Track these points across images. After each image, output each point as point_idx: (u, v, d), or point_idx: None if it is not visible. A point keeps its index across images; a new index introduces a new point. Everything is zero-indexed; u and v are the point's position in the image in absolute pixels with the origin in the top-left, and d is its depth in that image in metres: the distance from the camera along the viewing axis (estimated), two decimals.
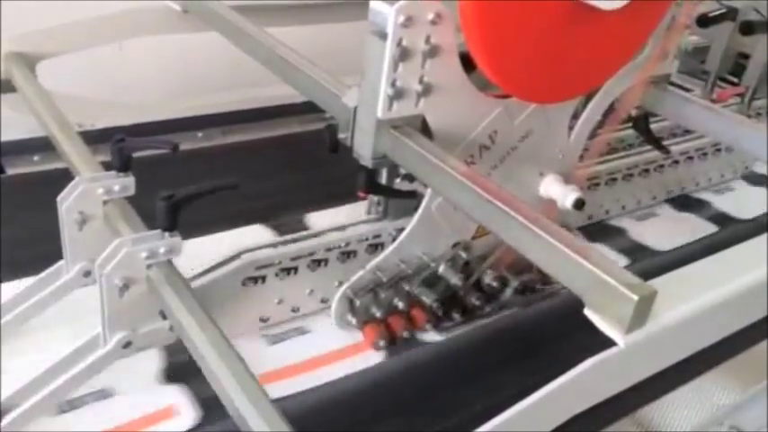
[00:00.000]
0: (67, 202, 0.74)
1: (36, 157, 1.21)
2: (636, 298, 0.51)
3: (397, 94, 0.70)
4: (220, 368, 0.58)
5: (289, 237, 0.87)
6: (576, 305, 0.56)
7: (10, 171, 1.21)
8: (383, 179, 0.88)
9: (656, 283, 0.53)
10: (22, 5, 1.21)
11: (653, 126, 1.07)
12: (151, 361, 0.82)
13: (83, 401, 0.76)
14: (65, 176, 0.76)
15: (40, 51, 1.08)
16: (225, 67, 1.38)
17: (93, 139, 0.93)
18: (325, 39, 1.28)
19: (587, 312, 0.55)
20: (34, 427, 0.71)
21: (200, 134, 1.36)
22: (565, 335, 0.91)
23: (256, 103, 1.42)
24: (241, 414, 0.55)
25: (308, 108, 1.38)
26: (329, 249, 0.89)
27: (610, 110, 0.95)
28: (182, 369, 0.80)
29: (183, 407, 0.77)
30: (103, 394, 0.78)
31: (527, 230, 0.59)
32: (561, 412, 0.56)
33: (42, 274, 0.81)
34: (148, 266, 0.68)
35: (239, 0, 1.10)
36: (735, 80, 1.51)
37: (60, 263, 0.80)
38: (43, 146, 1.17)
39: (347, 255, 0.91)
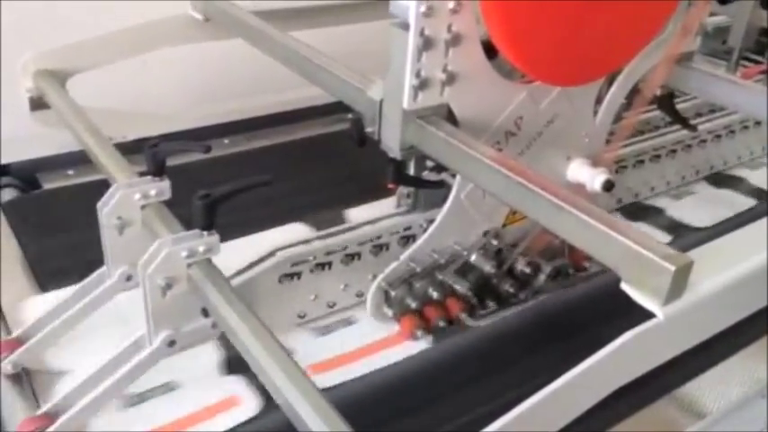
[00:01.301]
0: (107, 208, 0.76)
1: (71, 171, 1.25)
2: (673, 268, 0.51)
3: (422, 84, 0.71)
4: (266, 360, 0.59)
5: (322, 233, 0.89)
6: (611, 288, 0.56)
7: (46, 186, 1.24)
8: (411, 171, 0.88)
9: (693, 254, 0.53)
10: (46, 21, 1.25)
11: (678, 107, 1.07)
12: (211, 354, 0.85)
13: (150, 395, 0.80)
14: (99, 188, 0.78)
15: (69, 67, 1.10)
16: (247, 73, 1.40)
17: (126, 150, 0.95)
18: (347, 40, 1.30)
19: (624, 286, 0.55)
20: (104, 422, 0.75)
21: (226, 140, 1.39)
22: (601, 318, 0.91)
23: (279, 107, 1.44)
24: (290, 405, 0.56)
25: (331, 109, 1.42)
26: (362, 243, 0.90)
27: (634, 91, 0.94)
28: (240, 360, 0.82)
29: (245, 396, 0.80)
30: (169, 387, 0.81)
31: (559, 209, 0.59)
32: (602, 386, 0.57)
33: (85, 281, 0.83)
34: (189, 265, 0.70)
35: (257, 5, 1.12)
36: (759, 58, 1.50)
37: (102, 269, 0.82)
38: (77, 160, 1.21)
39: (380, 248, 0.92)
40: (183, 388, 0.81)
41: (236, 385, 0.81)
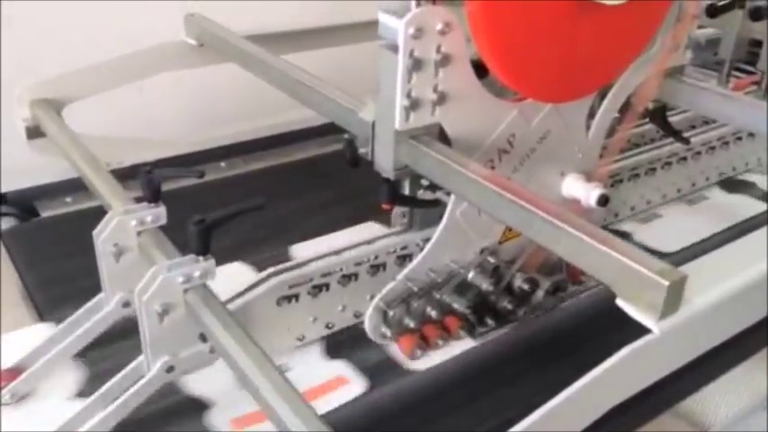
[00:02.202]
0: (103, 236, 0.76)
1: (68, 198, 1.25)
2: (667, 284, 0.51)
3: (413, 105, 0.72)
4: (264, 385, 0.59)
5: (317, 255, 0.89)
6: (609, 301, 0.57)
7: (44, 214, 1.25)
8: (407, 191, 0.89)
9: (687, 268, 0.54)
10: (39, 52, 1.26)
11: (670, 121, 1.07)
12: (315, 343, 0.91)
13: None
14: (97, 215, 0.78)
15: (65, 96, 1.11)
16: (242, 97, 1.41)
17: (123, 176, 0.95)
18: (339, 62, 1.31)
19: (619, 302, 0.55)
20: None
21: (222, 164, 1.40)
22: (599, 334, 0.91)
23: (275, 129, 1.45)
24: (290, 430, 0.56)
25: (325, 130, 1.43)
26: (358, 264, 0.90)
27: (626, 105, 0.95)
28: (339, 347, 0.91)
29: (351, 377, 0.87)
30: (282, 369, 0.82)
31: (553, 226, 0.59)
32: (600, 404, 0.57)
33: (83, 308, 0.83)
34: (185, 291, 0.70)
35: (250, 30, 1.13)
36: (750, 69, 1.51)
37: (99, 296, 0.82)
38: (74, 187, 1.22)
39: (377, 268, 0.92)
40: (295, 369, 0.88)
41: (342, 368, 0.88)
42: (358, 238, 0.92)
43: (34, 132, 1.08)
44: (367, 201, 0.94)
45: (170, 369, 0.72)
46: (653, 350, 0.55)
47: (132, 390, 0.72)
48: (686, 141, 1.12)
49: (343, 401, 0.83)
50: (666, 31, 0.90)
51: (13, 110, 1.08)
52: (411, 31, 0.68)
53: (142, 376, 0.73)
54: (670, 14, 0.89)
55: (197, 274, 0.70)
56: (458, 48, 0.72)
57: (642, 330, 0.54)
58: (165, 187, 0.78)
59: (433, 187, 0.92)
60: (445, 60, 0.71)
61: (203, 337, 0.72)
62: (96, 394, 0.74)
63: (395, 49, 0.69)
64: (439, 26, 0.69)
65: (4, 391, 0.80)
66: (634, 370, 0.56)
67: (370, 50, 0.77)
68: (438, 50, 0.71)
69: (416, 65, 0.70)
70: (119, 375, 0.74)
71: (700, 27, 1.30)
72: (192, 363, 0.74)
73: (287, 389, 0.58)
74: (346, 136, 0.87)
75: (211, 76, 1.25)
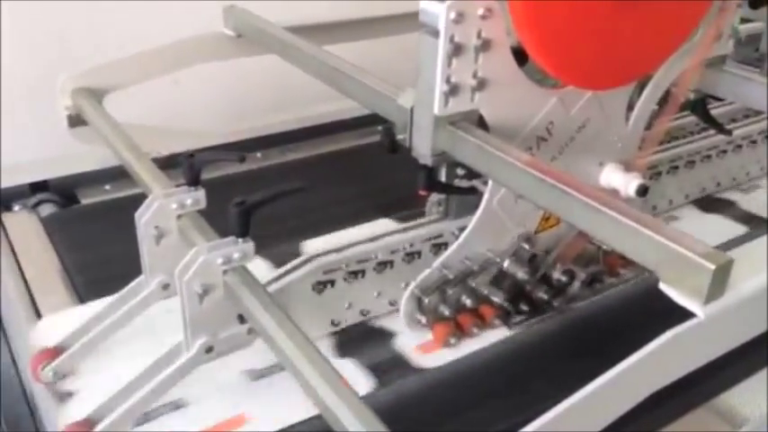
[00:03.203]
0: (144, 218, 0.78)
1: (107, 186, 1.27)
2: (713, 267, 0.51)
3: (453, 91, 0.72)
4: (304, 366, 0.60)
5: (354, 240, 0.89)
6: (647, 293, 0.56)
7: (84, 201, 1.27)
8: (443, 178, 0.89)
9: (734, 252, 0.53)
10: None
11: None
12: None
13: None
14: (135, 202, 0.80)
15: (106, 85, 1.13)
16: (279, 88, 1.43)
17: (160, 165, 0.97)
18: (372, 57, 1.31)
19: (662, 287, 0.54)
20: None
21: (259, 154, 1.41)
22: (638, 325, 0.89)
23: (311, 121, 1.46)
24: (331, 410, 0.56)
25: (360, 122, 1.43)
26: (394, 251, 0.90)
27: (667, 96, 0.94)
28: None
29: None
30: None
31: (595, 210, 0.59)
32: (643, 387, 0.56)
33: (123, 291, 0.85)
34: (225, 272, 0.71)
35: (289, 20, 1.14)
36: None
37: (140, 278, 0.84)
38: (113, 175, 1.24)
39: (412, 255, 0.92)
40: None
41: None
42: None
43: (76, 121, 1.11)
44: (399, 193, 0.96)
45: (209, 349, 0.73)
46: (696, 335, 0.54)
47: (171, 369, 0.73)
48: (728, 133, 1.10)
49: None
50: (709, 21, 0.89)
51: (52, 99, 1.11)
52: (452, 15, 0.68)
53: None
54: (713, 4, 0.87)
55: (236, 255, 0.71)
56: (498, 33, 0.71)
57: (682, 321, 0.53)
58: (203, 177, 0.79)
59: (469, 176, 0.92)
60: (485, 46, 0.71)
61: (242, 319, 0.73)
62: (138, 373, 0.75)
63: (435, 34, 0.69)
64: (480, 11, 0.69)
65: (46, 370, 0.82)
66: (677, 355, 0.55)
67: (403, 45, 0.77)
68: (479, 36, 0.70)
69: (457, 50, 0.70)
70: (159, 355, 0.75)
71: (742, 21, 1.27)
72: (230, 344, 0.74)
73: (327, 370, 0.59)
74: (380, 127, 0.87)
75: (247, 67, 1.27)
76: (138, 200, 0.80)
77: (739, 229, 1.17)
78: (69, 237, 1.14)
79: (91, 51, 1.23)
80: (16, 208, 1.24)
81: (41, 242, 1.14)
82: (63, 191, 1.29)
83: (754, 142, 1.27)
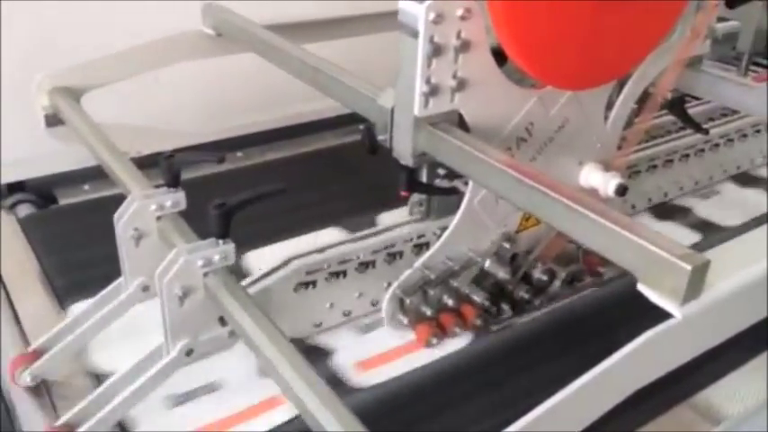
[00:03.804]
0: (123, 220, 0.77)
1: (86, 186, 1.26)
2: (689, 268, 0.51)
3: (433, 91, 0.72)
4: (284, 367, 0.60)
5: (335, 242, 0.89)
6: (626, 292, 0.56)
7: (62, 201, 1.26)
8: (424, 179, 0.89)
9: (710, 253, 0.53)
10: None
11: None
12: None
13: None
14: (115, 202, 0.79)
15: (83, 84, 1.12)
16: (259, 87, 1.42)
17: (140, 165, 0.96)
18: (353, 55, 1.31)
19: (640, 287, 0.55)
20: None
21: (239, 153, 1.40)
22: (616, 323, 0.91)
23: (291, 120, 1.45)
24: (310, 412, 0.56)
25: (340, 121, 1.43)
26: (375, 251, 0.90)
27: (645, 95, 0.95)
28: None
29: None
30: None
31: (574, 212, 0.59)
32: (622, 387, 0.56)
33: (103, 293, 0.84)
34: (205, 274, 0.70)
35: (268, 19, 1.13)
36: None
37: (119, 280, 0.83)
38: (92, 175, 1.23)
39: (394, 256, 0.92)
40: None
41: None
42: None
43: (53, 120, 1.09)
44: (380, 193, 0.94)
45: (189, 352, 0.73)
46: (675, 335, 0.54)
47: (151, 372, 0.73)
48: (705, 132, 1.12)
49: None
50: (687, 21, 0.90)
51: (28, 99, 1.09)
52: (431, 16, 0.68)
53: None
54: (690, 4, 0.88)
55: (217, 257, 0.70)
56: (478, 34, 0.72)
57: (661, 320, 0.54)
58: (183, 176, 0.78)
59: (449, 176, 0.92)
60: (465, 46, 0.71)
61: (222, 321, 0.73)
62: (116, 376, 0.74)
63: (415, 34, 0.69)
64: (459, 12, 0.69)
65: (24, 375, 0.81)
66: (655, 355, 0.56)
67: (383, 43, 0.77)
68: (458, 36, 0.70)
69: (436, 50, 0.70)
70: (138, 358, 0.74)
71: (719, 20, 1.29)
72: (211, 345, 0.74)
73: (308, 372, 0.59)
74: (361, 126, 0.87)
75: (228, 65, 1.26)
76: (118, 200, 0.80)
77: None
78: (48, 238, 1.13)
79: (68, 50, 1.21)
80: None
81: (19, 243, 1.12)
82: (41, 191, 1.27)
83: (731, 141, 1.28)
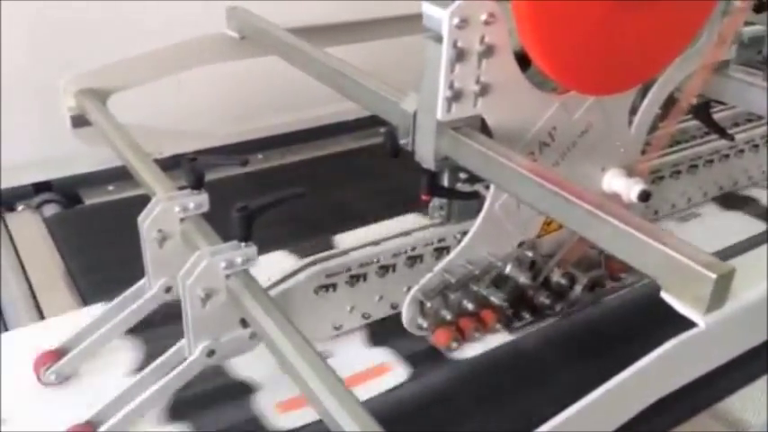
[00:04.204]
0: (147, 222, 0.78)
1: (111, 187, 1.28)
2: (714, 276, 0.51)
3: (456, 96, 0.72)
4: (306, 370, 0.60)
5: (356, 245, 0.89)
6: (648, 298, 0.56)
7: (87, 201, 1.27)
8: (445, 183, 0.89)
9: (736, 262, 0.53)
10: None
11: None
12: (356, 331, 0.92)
13: None
14: (139, 203, 0.80)
15: (109, 86, 1.13)
16: (280, 89, 1.43)
17: (162, 166, 0.97)
18: (375, 58, 1.31)
19: (664, 295, 0.54)
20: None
21: (260, 156, 1.42)
22: (639, 331, 0.90)
23: (312, 122, 1.46)
24: (331, 415, 0.56)
25: (361, 124, 1.44)
26: (396, 255, 0.90)
27: (670, 101, 0.94)
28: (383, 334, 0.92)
29: (394, 364, 0.88)
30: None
31: (597, 218, 0.59)
32: (644, 395, 0.56)
33: (125, 293, 0.85)
34: (227, 276, 0.71)
35: (292, 22, 1.14)
36: None
37: (142, 281, 0.84)
38: (116, 175, 1.25)
39: (414, 259, 0.92)
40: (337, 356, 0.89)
41: (385, 355, 0.90)
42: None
43: (79, 121, 1.11)
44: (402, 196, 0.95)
45: (211, 353, 0.73)
46: (698, 344, 0.54)
47: (173, 373, 0.74)
48: (731, 138, 1.10)
49: (384, 389, 0.84)
50: (713, 26, 0.89)
51: (55, 100, 1.11)
52: (455, 21, 0.68)
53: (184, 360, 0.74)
54: (717, 9, 0.87)
55: (239, 260, 0.71)
56: (501, 39, 0.71)
57: (684, 328, 0.53)
58: (207, 178, 0.79)
59: (471, 180, 0.92)
60: (489, 51, 0.71)
61: (244, 323, 0.73)
62: (138, 377, 0.75)
63: (439, 39, 0.69)
64: (483, 17, 0.69)
65: (48, 372, 0.82)
66: (678, 364, 0.55)
67: (406, 47, 0.77)
68: (482, 41, 0.70)
69: (460, 55, 0.70)
70: (160, 359, 0.75)
71: (746, 24, 1.27)
72: (232, 347, 0.75)
73: (328, 374, 0.59)
74: (383, 129, 0.87)
75: (250, 68, 1.27)
76: (142, 201, 0.80)
77: None
78: (73, 237, 1.14)
79: (93, 51, 1.23)
80: (19, 208, 1.25)
81: (45, 243, 1.14)
82: (66, 191, 1.29)
83: (756, 146, 1.27)
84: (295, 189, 0.73)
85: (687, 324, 0.53)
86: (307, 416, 0.79)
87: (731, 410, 0.88)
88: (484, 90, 0.73)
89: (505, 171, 0.68)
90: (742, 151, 1.25)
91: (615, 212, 0.58)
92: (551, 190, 0.63)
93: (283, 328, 0.64)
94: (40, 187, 1.29)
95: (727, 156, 1.23)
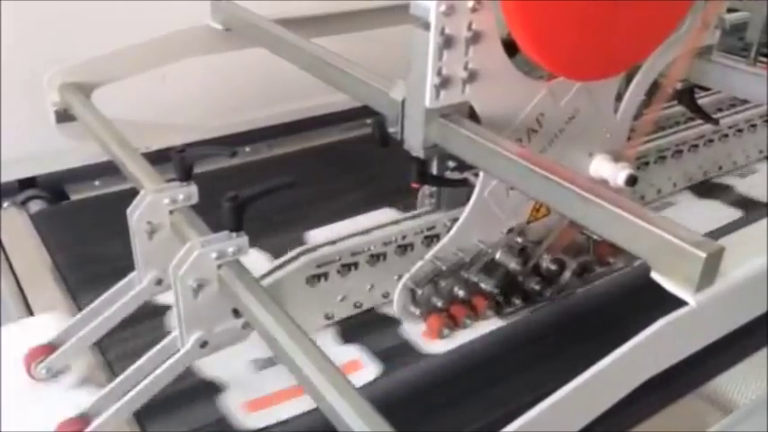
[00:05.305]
0: (137, 214, 0.77)
1: (97, 182, 1.27)
2: (704, 255, 0.51)
3: (444, 83, 0.72)
4: (301, 359, 0.60)
5: (345, 234, 0.89)
6: (637, 281, 0.56)
7: (74, 197, 1.26)
8: (434, 170, 0.89)
9: (725, 240, 0.53)
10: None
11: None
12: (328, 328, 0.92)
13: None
14: (125, 197, 0.79)
15: (94, 80, 1.12)
16: (267, 81, 1.42)
17: (150, 160, 0.96)
18: (362, 48, 1.31)
19: (654, 275, 0.55)
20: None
21: (248, 149, 1.41)
22: (629, 314, 0.91)
23: (299, 114, 1.46)
24: (328, 403, 0.56)
25: (348, 116, 1.43)
26: (386, 243, 0.91)
27: (655, 86, 0.94)
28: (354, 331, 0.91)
29: (365, 360, 0.87)
30: None
31: (586, 201, 0.59)
32: (636, 374, 0.56)
33: (116, 286, 0.84)
34: (219, 266, 0.71)
35: (277, 13, 1.13)
36: None
37: (132, 274, 0.84)
38: (102, 171, 1.24)
39: (405, 248, 0.92)
40: None
41: (355, 352, 0.89)
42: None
43: (63, 116, 1.10)
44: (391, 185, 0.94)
45: (204, 344, 0.73)
46: (688, 323, 0.55)
47: (165, 365, 0.73)
48: (715, 122, 1.11)
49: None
50: (696, 10, 0.90)
51: (38, 95, 1.10)
52: (442, 8, 0.68)
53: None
54: None
55: (230, 250, 0.71)
56: (488, 25, 0.72)
57: (673, 308, 0.54)
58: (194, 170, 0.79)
59: (460, 167, 0.93)
60: (476, 38, 0.71)
61: (236, 313, 0.73)
62: (131, 368, 0.75)
63: (426, 26, 0.69)
64: (470, 3, 0.69)
65: (40, 366, 0.82)
66: (669, 343, 0.56)
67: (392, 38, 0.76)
68: (469, 28, 0.71)
69: (447, 42, 0.70)
70: (153, 350, 0.75)
71: (728, 10, 1.28)
72: (225, 338, 0.75)
73: (324, 361, 0.59)
74: (370, 120, 0.87)
75: (236, 61, 1.26)
76: (129, 195, 0.80)
77: None
78: (60, 233, 1.13)
79: (79, 45, 1.21)
80: (5, 204, 1.24)
81: (31, 239, 1.13)
82: (52, 187, 1.28)
83: (740, 131, 1.28)
84: (285, 178, 0.73)
85: (677, 306, 0.54)
86: (274, 415, 0.80)
87: (719, 391, 0.89)
88: (472, 77, 0.74)
89: (495, 157, 0.68)
90: (726, 136, 1.26)
91: (604, 195, 0.59)
92: (542, 174, 0.63)
93: (276, 317, 0.64)
94: (25, 183, 1.27)
95: (711, 141, 1.24)
